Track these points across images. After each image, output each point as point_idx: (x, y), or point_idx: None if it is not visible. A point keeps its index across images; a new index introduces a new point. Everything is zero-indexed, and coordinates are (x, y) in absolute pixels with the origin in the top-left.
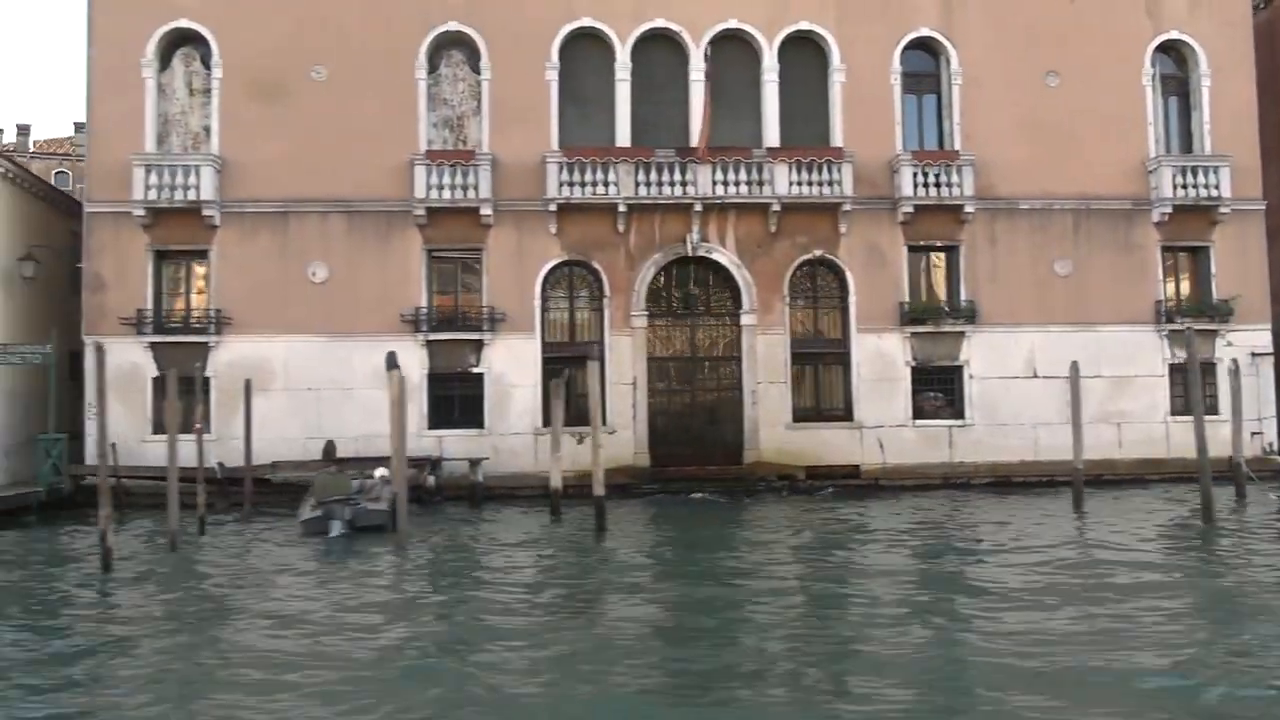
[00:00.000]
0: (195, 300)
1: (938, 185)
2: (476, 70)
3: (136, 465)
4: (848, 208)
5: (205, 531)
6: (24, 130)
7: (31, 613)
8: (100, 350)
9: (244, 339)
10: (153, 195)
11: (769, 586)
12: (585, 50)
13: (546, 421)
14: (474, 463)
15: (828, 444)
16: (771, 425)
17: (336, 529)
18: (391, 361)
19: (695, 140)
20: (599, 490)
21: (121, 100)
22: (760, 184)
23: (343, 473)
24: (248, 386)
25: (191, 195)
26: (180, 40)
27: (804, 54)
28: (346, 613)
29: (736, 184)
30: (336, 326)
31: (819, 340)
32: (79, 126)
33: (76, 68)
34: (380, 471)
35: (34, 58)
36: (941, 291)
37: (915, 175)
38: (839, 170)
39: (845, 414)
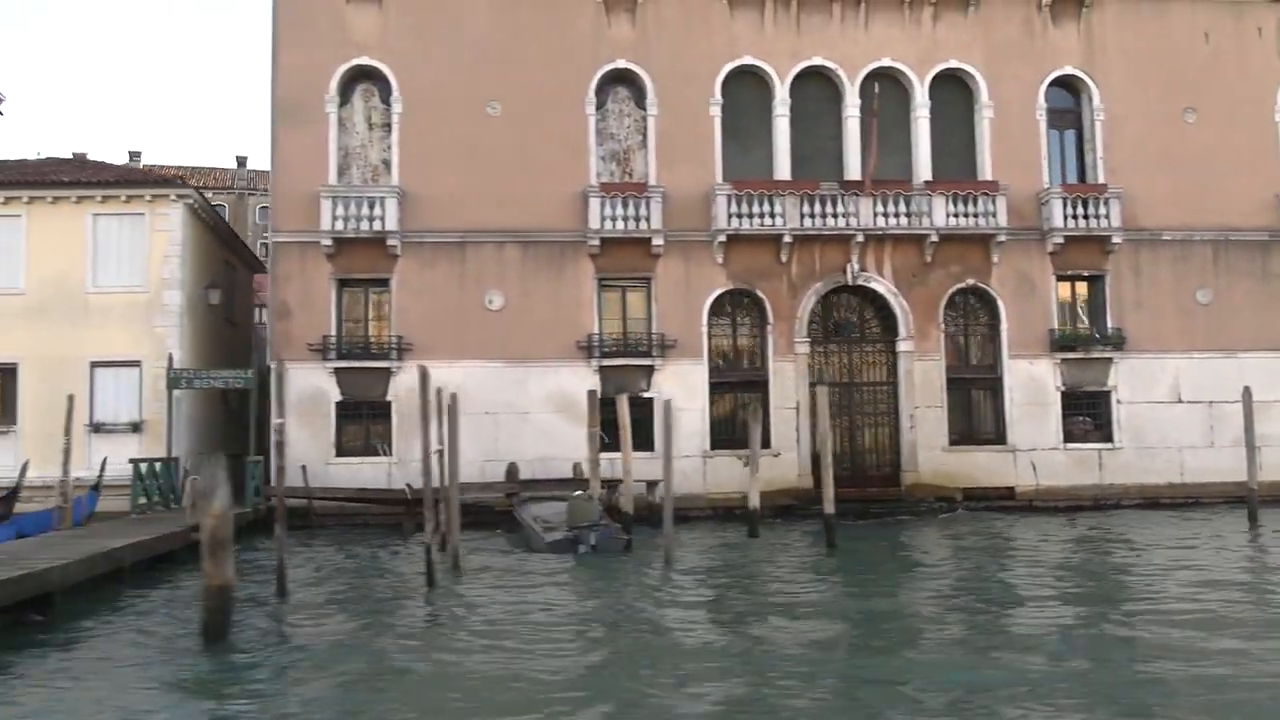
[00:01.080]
0: (374, 327)
1: (1085, 217)
2: (641, 106)
3: (323, 487)
4: (1002, 239)
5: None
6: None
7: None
8: (280, 372)
9: (424, 364)
10: (339, 226)
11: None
12: (744, 87)
13: (714, 444)
14: (651, 484)
15: (982, 466)
16: (929, 448)
17: (584, 549)
18: (620, 387)
19: (853, 173)
20: (829, 509)
21: (305, 134)
22: (919, 215)
23: (590, 498)
24: (454, 405)
25: (376, 226)
26: (360, 76)
27: (950, 90)
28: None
29: (896, 215)
30: (513, 352)
31: (971, 366)
32: (240, 161)
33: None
34: (579, 495)
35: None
36: (1088, 319)
37: (1065, 207)
38: (993, 203)
39: (997, 437)
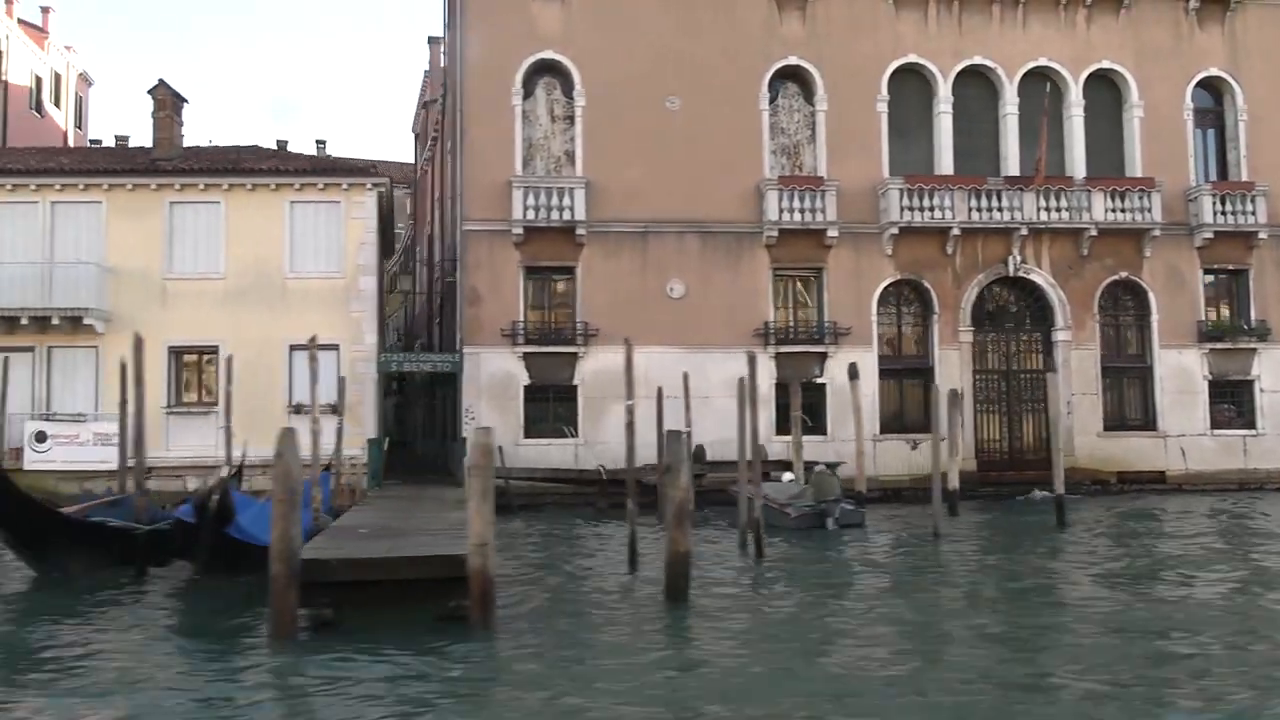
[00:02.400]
0: (557, 314)
1: (1233, 213)
2: (810, 102)
3: (512, 467)
4: (1155, 233)
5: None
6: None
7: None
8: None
9: (608, 350)
10: (531, 215)
11: None
12: (905, 83)
13: (882, 429)
14: (832, 466)
15: (1134, 451)
16: (1085, 433)
17: (831, 524)
18: (853, 372)
19: (1010, 169)
20: (1060, 489)
21: (493, 127)
22: (1078, 210)
23: (833, 474)
24: (659, 395)
25: (566, 215)
26: (542, 70)
27: (1098, 89)
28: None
29: (1058, 210)
30: (692, 339)
31: (1123, 355)
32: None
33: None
34: (787, 476)
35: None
36: (1233, 311)
37: (1213, 204)
38: (1148, 198)
39: (1147, 424)
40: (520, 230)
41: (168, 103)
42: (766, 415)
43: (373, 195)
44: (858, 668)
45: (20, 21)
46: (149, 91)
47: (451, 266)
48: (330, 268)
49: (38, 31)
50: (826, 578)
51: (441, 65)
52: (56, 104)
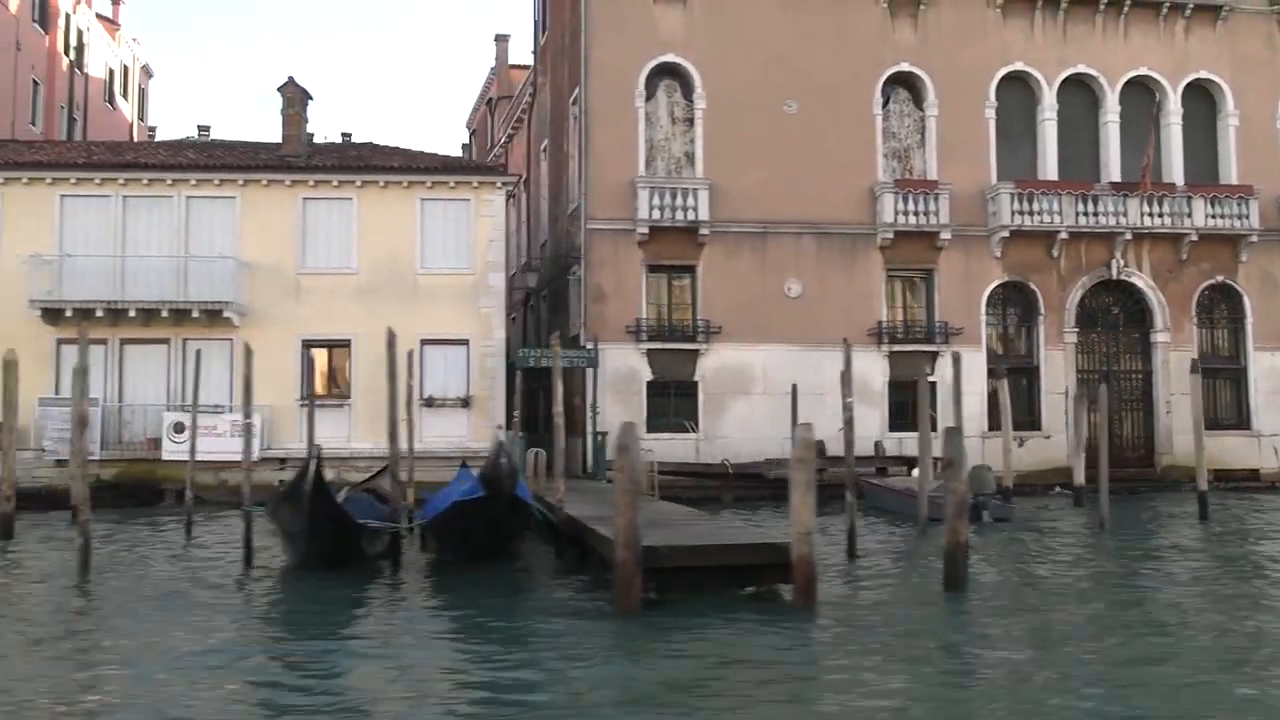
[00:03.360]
0: (677, 311)
1: None
2: (920, 107)
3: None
4: (1253, 239)
5: None
6: None
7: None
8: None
9: (728, 347)
10: (656, 215)
11: None
12: (1010, 90)
13: (991, 426)
14: (937, 461)
15: (1229, 450)
16: (1182, 432)
17: (987, 517)
18: (1000, 372)
19: (1112, 175)
20: (1203, 485)
21: (616, 128)
22: (1179, 216)
23: (988, 469)
24: (794, 391)
25: (690, 216)
26: (662, 73)
27: (1195, 98)
28: None
29: (1160, 215)
30: (808, 337)
31: (1217, 356)
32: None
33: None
34: (916, 471)
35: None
36: None
37: None
38: (1246, 205)
39: (1241, 423)
40: (646, 230)
41: (296, 100)
42: (880, 412)
43: (501, 194)
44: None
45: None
46: (279, 89)
47: (566, 263)
48: (460, 264)
49: (110, 24)
50: (1054, 565)
51: (509, 63)
52: (124, 96)
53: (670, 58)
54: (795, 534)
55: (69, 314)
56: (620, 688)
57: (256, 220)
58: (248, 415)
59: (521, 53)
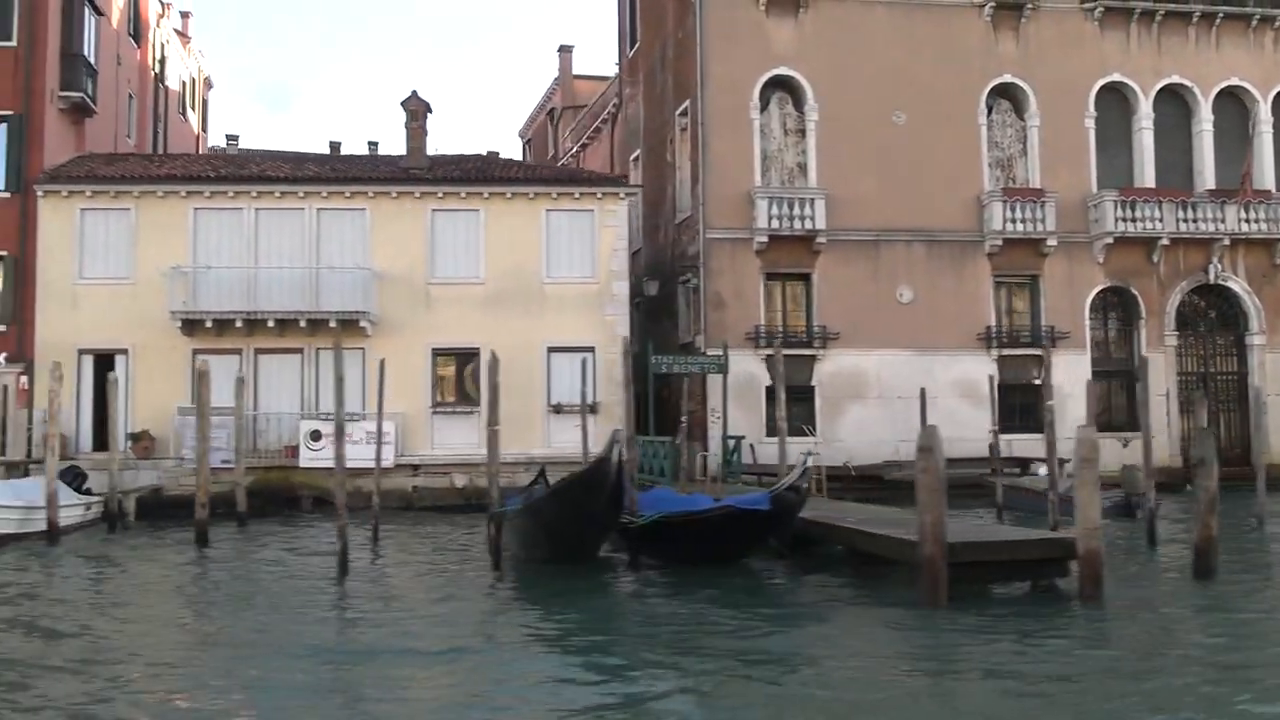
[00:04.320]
0: (793, 317)
1: None
2: (1021, 117)
3: (764, 464)
4: None
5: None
6: None
7: None
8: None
9: (843, 352)
10: (775, 224)
11: None
12: (1107, 100)
13: (1100, 426)
14: (1062, 462)
15: None
16: (1278, 431)
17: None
18: (1140, 374)
19: (1207, 182)
20: None
21: (732, 140)
22: (1275, 221)
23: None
24: (922, 395)
25: (807, 225)
26: (774, 85)
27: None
28: None
29: (1256, 221)
30: (920, 342)
31: None
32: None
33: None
34: (1042, 470)
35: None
36: None
37: None
38: None
39: None
40: (765, 238)
41: (420, 113)
42: (989, 414)
43: (624, 204)
44: None
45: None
46: (402, 103)
47: (672, 271)
48: (584, 273)
49: (183, 36)
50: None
51: (573, 74)
52: (192, 108)
53: (783, 70)
54: (1083, 530)
55: (209, 324)
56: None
57: (386, 231)
58: (493, 422)
59: (586, 64)
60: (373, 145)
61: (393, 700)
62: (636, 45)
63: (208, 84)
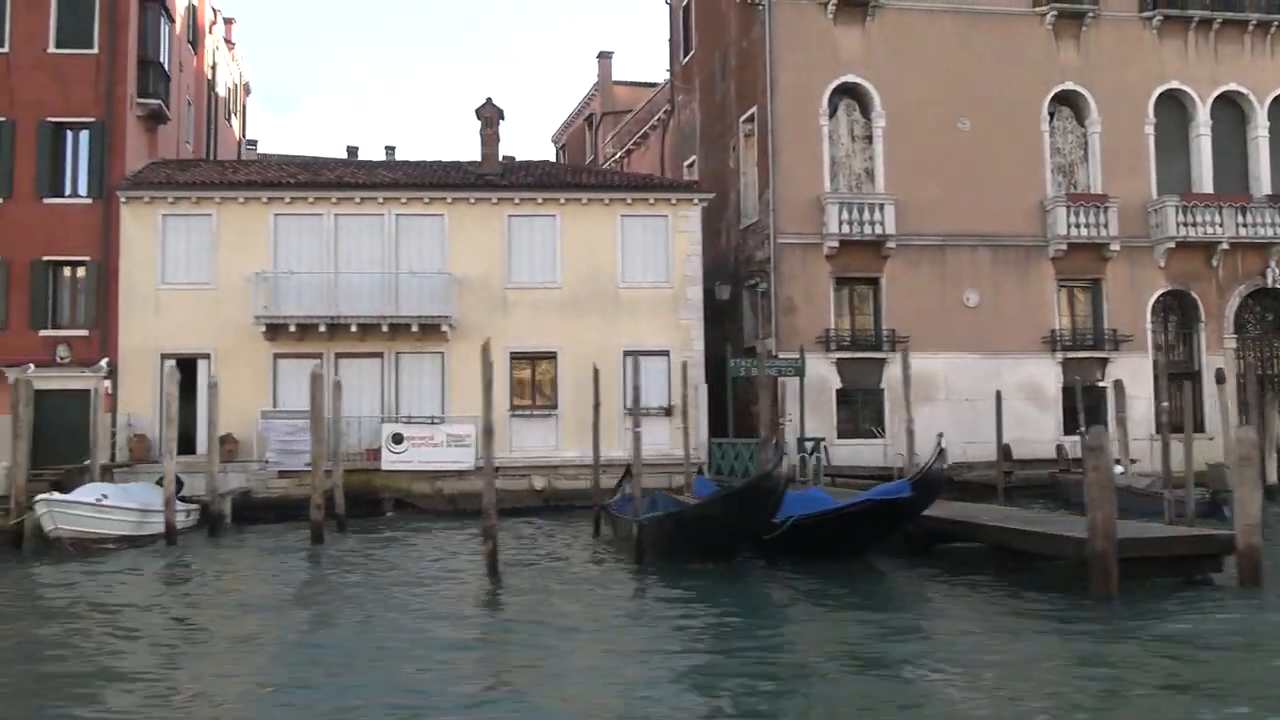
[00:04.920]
0: (860, 321)
1: None
2: (1082, 123)
3: (839, 465)
4: None
5: None
6: None
7: None
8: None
9: (912, 356)
10: (845, 230)
11: None
12: (1164, 106)
13: (1158, 429)
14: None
15: None
16: None
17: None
18: (1220, 376)
19: (1263, 188)
20: None
21: (801, 146)
22: None
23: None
24: (998, 398)
25: (877, 230)
26: (841, 92)
27: None
28: None
29: None
30: (986, 345)
31: None
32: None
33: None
34: (1119, 469)
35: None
36: None
37: None
38: None
39: None
40: (836, 243)
41: (494, 120)
42: (1054, 417)
43: (698, 209)
44: None
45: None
46: (476, 111)
47: (737, 275)
48: (659, 278)
49: (229, 43)
50: None
51: (612, 80)
52: (235, 114)
53: (851, 78)
54: (1243, 526)
55: (292, 329)
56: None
57: (464, 236)
58: (636, 424)
59: (627, 70)
60: (390, 150)
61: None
62: (691, 53)
63: (246, 90)
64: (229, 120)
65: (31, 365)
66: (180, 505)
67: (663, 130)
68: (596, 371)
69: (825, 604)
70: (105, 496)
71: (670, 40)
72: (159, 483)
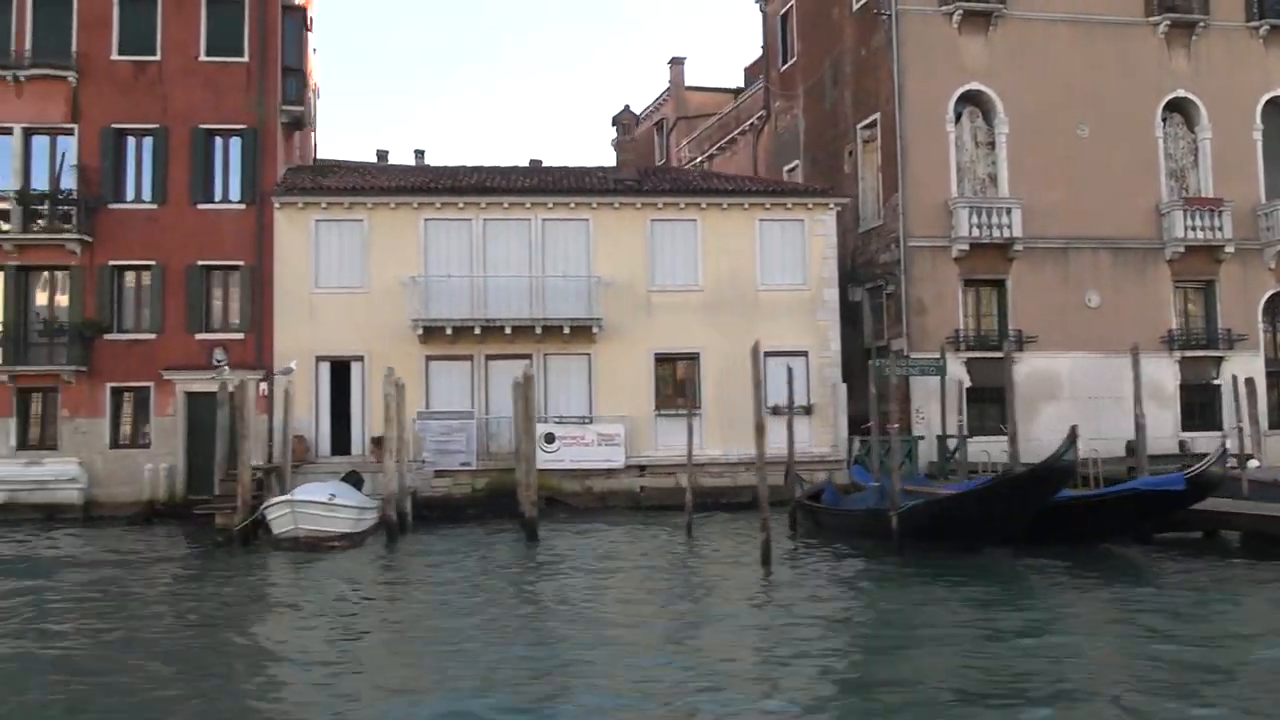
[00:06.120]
0: (986, 322)
1: None
2: (1191, 129)
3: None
4: None
5: None
6: None
7: None
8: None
9: (1037, 355)
10: (975, 233)
11: None
12: (1271, 113)
13: (1272, 424)
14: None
15: None
16: None
17: None
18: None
19: None
20: None
21: (929, 152)
22: None
23: None
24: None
25: (1005, 233)
26: (963, 99)
27: None
28: None
29: None
30: (1107, 345)
31: None
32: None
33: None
34: (1254, 463)
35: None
36: None
37: None
38: None
39: None
40: (966, 246)
41: (630, 126)
42: (1172, 414)
43: (833, 214)
44: None
45: None
46: (615, 119)
47: (859, 277)
48: (796, 280)
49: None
50: None
51: (684, 85)
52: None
53: (975, 85)
54: None
55: (448, 331)
56: None
57: (608, 241)
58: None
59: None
60: (419, 154)
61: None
62: (793, 60)
63: (316, 92)
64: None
65: (262, 371)
66: (371, 504)
67: (755, 135)
68: (790, 371)
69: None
70: (335, 495)
71: (765, 47)
72: (346, 479)
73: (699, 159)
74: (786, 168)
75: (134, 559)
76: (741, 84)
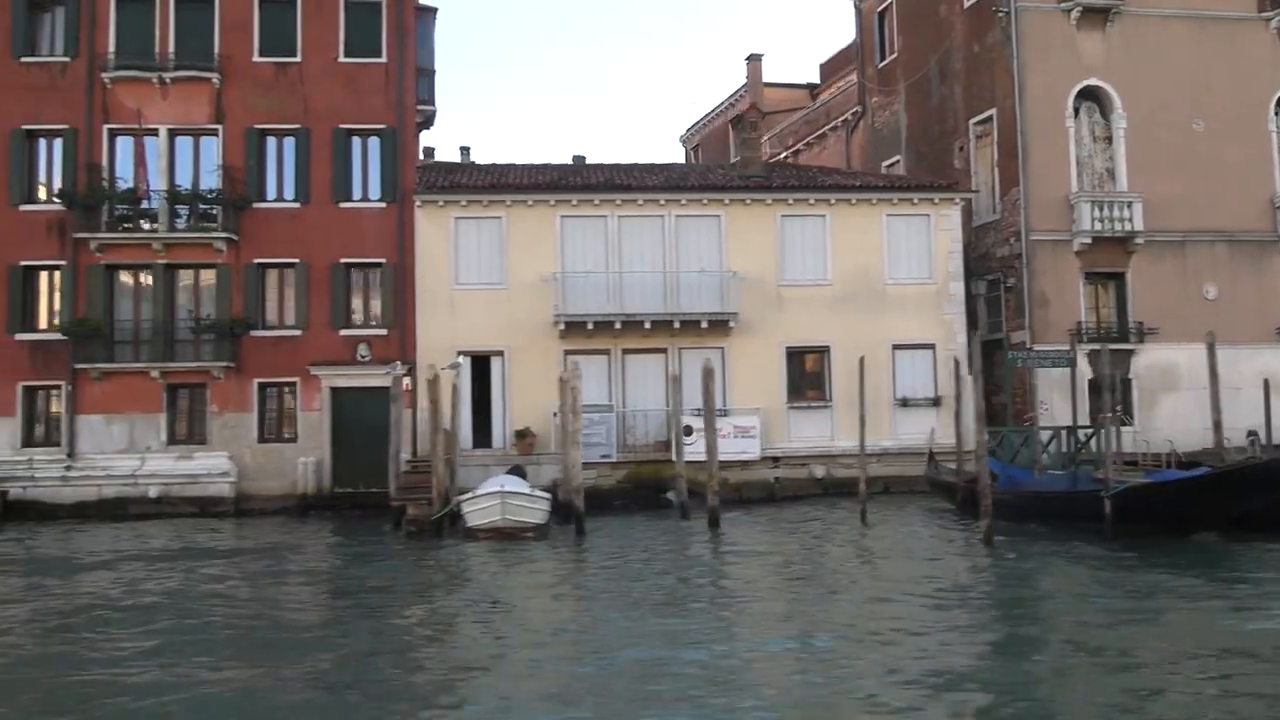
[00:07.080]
0: (1104, 314)
1: None
2: None
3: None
4: None
5: None
6: None
7: None
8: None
9: (1156, 347)
10: (1097, 227)
11: None
12: None
13: None
14: None
15: None
16: None
17: None
18: None
19: None
20: None
21: (1048, 147)
22: None
23: None
24: (1265, 387)
25: (1126, 227)
26: (1081, 95)
27: None
28: None
29: None
30: (1223, 336)
31: None
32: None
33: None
34: None
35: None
36: None
37: None
38: None
39: None
40: (1088, 239)
41: (758, 124)
42: None
43: (958, 208)
44: None
45: None
46: (742, 115)
47: (976, 271)
48: (922, 274)
49: None
50: None
51: (762, 82)
52: None
53: (1094, 81)
54: None
55: (589, 326)
56: None
57: (740, 236)
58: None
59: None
60: (465, 150)
61: None
62: (893, 56)
63: None
64: None
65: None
66: (545, 495)
67: (847, 131)
68: (957, 363)
69: None
70: (533, 488)
71: (861, 43)
72: (512, 472)
73: (783, 154)
74: (886, 163)
75: (344, 548)
76: (817, 80)
